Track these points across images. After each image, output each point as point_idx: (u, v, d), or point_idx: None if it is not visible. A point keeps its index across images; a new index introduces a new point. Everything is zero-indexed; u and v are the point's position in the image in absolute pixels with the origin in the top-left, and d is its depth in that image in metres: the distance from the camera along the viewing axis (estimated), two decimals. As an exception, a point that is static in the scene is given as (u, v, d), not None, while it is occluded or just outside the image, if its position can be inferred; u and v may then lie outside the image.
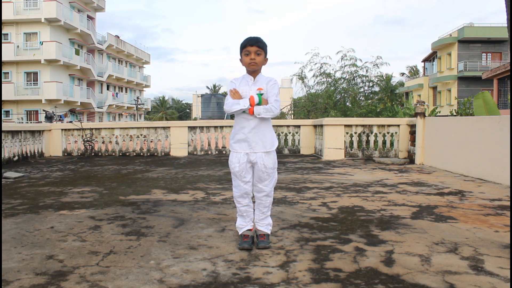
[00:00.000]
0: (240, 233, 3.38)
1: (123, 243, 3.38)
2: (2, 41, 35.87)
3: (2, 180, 7.19)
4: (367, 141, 10.95)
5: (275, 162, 3.35)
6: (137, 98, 49.54)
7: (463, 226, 3.88)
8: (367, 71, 21.47)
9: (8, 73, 36.69)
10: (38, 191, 6.03)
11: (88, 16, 42.81)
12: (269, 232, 3.37)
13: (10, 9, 35.50)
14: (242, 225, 3.37)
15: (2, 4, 34.32)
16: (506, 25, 13.15)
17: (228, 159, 3.41)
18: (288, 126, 12.60)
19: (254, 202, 3.45)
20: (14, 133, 10.41)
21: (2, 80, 36.23)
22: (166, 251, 3.18)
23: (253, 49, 3.21)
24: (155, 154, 12.28)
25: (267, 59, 3.33)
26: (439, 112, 18.56)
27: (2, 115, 36.31)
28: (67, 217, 4.30)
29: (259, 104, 3.21)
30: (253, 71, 3.28)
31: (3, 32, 36.34)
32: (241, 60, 3.30)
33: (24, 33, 36.68)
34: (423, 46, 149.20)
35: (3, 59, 35.28)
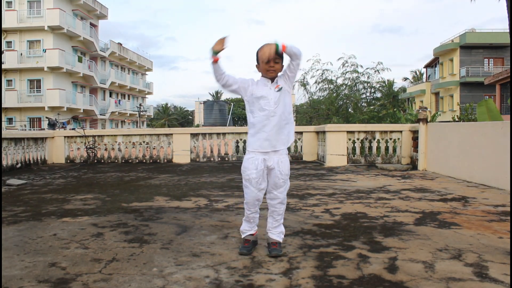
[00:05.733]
0: (242, 236, 3.39)
1: (126, 250, 3.38)
2: (6, 49, 36.08)
3: (5, 187, 7.21)
4: (370, 147, 10.93)
5: (289, 168, 3.35)
6: (140, 105, 49.65)
7: (466, 232, 3.86)
8: (368, 77, 21.52)
9: (11, 80, 36.86)
10: (41, 198, 6.03)
11: (91, 24, 43.04)
12: (281, 240, 3.35)
13: (14, 17, 35.73)
14: (246, 230, 3.39)
15: (6, 12, 34.60)
16: (508, 30, 13.17)
17: (242, 164, 3.34)
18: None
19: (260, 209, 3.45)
20: (17, 140, 10.44)
21: (6, 87, 36.40)
22: (169, 258, 3.17)
23: (272, 57, 3.19)
24: (158, 161, 12.29)
25: (283, 65, 3.31)
26: (439, 115, 18.53)
27: (6, 123, 36.43)
28: (70, 224, 4.31)
29: (277, 50, 3.12)
30: (272, 78, 3.29)
31: (7, 40, 36.57)
32: (257, 66, 3.29)
33: (28, 40, 36.89)
34: (422, 53, 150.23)
35: (7, 66, 35.49)
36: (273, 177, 3.26)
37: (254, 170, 3.24)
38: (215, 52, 3.16)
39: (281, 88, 3.25)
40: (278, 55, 3.20)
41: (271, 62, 3.21)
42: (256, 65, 3.31)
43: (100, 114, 44.12)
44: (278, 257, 3.16)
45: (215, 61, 3.19)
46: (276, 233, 3.32)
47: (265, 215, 3.57)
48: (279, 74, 3.30)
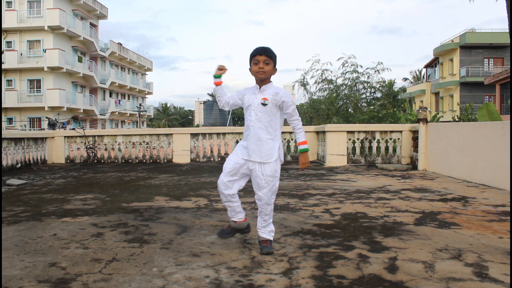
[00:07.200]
0: None
1: (126, 250, 3.38)
2: (6, 49, 36.08)
3: (5, 187, 7.21)
4: (370, 147, 10.93)
5: (276, 171, 3.33)
6: (140, 105, 49.64)
7: (466, 232, 3.86)
8: (368, 77, 21.53)
9: (11, 80, 36.86)
10: (41, 198, 6.03)
11: (91, 24, 43.04)
12: (271, 238, 3.38)
13: (14, 17, 35.73)
14: (229, 216, 3.51)
15: (6, 12, 34.59)
16: (508, 30, 13.17)
17: None
18: (290, 132, 12.60)
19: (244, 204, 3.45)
20: (17, 140, 10.44)
21: (6, 87, 36.39)
22: (169, 258, 3.17)
23: (262, 58, 3.27)
24: (158, 161, 12.29)
25: (276, 69, 3.37)
26: (441, 117, 18.56)
27: (6, 123, 36.42)
28: (70, 224, 4.31)
29: (305, 150, 3.38)
30: (262, 80, 3.32)
31: (7, 40, 36.57)
32: (250, 69, 3.37)
33: (28, 40, 36.89)
34: (421, 53, 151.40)
35: (7, 66, 35.48)
36: (255, 177, 3.32)
37: (232, 162, 3.38)
38: (216, 76, 3.44)
39: (266, 104, 3.28)
40: (268, 57, 3.27)
41: (261, 63, 3.27)
42: (249, 68, 3.38)
43: (100, 114, 44.11)
44: (269, 254, 3.22)
45: (218, 84, 3.46)
46: (266, 232, 3.37)
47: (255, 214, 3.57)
48: (276, 93, 3.29)
